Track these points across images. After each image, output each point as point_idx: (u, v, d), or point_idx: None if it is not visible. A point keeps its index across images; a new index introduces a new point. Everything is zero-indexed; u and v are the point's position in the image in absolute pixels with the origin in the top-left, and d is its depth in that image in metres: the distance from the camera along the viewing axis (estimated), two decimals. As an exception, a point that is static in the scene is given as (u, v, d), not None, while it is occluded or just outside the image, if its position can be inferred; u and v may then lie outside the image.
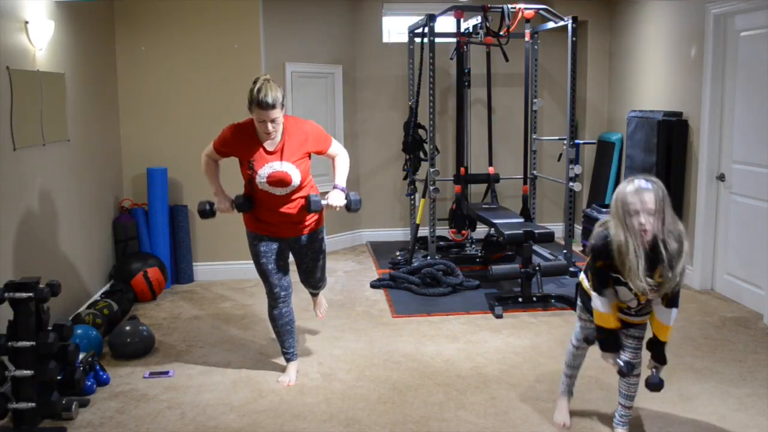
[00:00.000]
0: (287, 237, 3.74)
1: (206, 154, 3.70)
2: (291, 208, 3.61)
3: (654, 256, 2.70)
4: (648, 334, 3.05)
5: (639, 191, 2.67)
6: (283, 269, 3.80)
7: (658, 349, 2.97)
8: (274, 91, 3.33)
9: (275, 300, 3.81)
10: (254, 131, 3.50)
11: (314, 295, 4.24)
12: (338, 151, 3.71)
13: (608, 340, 2.93)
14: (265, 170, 3.50)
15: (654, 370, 2.98)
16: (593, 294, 2.90)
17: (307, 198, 3.55)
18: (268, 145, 3.51)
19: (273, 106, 3.33)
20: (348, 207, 3.62)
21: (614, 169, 6.73)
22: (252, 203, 3.63)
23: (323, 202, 3.57)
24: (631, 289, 2.79)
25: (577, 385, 3.69)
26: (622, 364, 2.96)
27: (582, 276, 3.13)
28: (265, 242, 3.71)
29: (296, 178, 3.53)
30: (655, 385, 2.95)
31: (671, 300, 2.85)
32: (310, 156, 3.63)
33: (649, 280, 2.70)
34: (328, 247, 6.93)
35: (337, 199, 3.56)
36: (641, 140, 5.92)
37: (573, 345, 3.27)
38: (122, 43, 5.67)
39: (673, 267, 2.68)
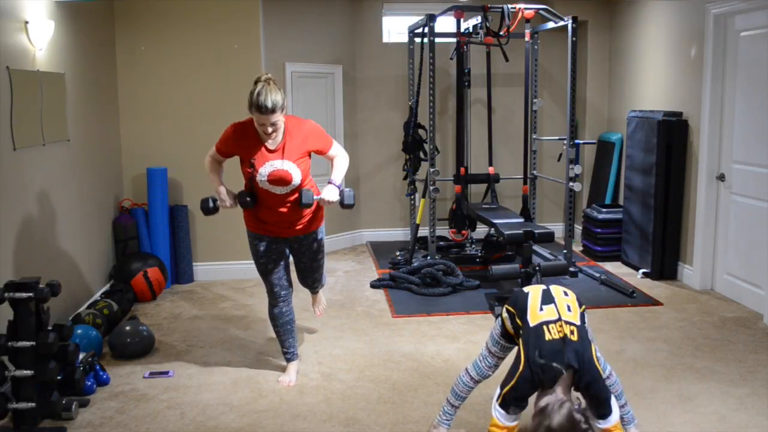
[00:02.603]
0: (287, 236, 3.74)
1: (210, 155, 3.71)
2: (290, 207, 3.62)
3: None
4: None
5: None
6: (283, 268, 3.80)
7: None
8: (273, 95, 3.33)
9: (275, 299, 3.82)
10: (255, 130, 3.51)
11: (314, 293, 4.25)
12: (338, 152, 3.74)
13: None
14: (266, 169, 3.51)
15: None
16: (497, 406, 2.65)
17: (299, 191, 3.55)
18: (270, 144, 3.52)
19: (272, 111, 3.34)
20: (341, 202, 3.64)
21: (614, 169, 6.73)
22: (256, 199, 3.64)
23: (316, 196, 3.58)
24: None
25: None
26: None
27: (505, 313, 2.90)
28: (265, 242, 3.72)
29: (297, 177, 3.54)
30: None
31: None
32: (310, 155, 3.64)
33: None
34: (328, 247, 6.94)
35: (330, 194, 3.58)
36: (641, 140, 5.93)
37: (472, 378, 3.00)
38: (122, 43, 5.67)
39: None
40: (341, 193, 3.63)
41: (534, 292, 2.85)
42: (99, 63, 5.33)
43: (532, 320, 2.73)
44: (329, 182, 3.64)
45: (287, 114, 3.54)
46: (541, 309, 2.76)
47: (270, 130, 3.41)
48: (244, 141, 3.54)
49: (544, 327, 2.69)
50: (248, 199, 3.62)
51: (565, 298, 2.81)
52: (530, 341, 2.67)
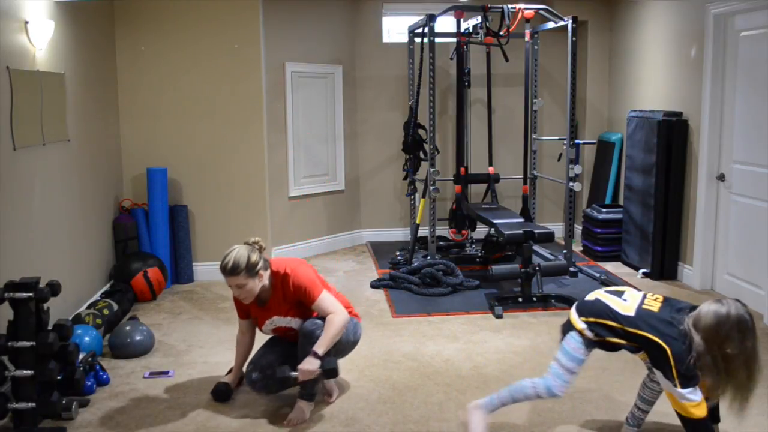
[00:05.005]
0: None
1: (238, 330, 3.71)
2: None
3: None
4: None
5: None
6: (277, 353, 3.53)
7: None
8: (237, 258, 3.22)
9: (251, 384, 3.48)
10: None
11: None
12: (327, 310, 3.31)
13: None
14: (268, 326, 3.52)
15: None
16: (681, 390, 2.73)
17: (276, 371, 3.33)
18: (260, 302, 3.45)
19: (230, 273, 3.24)
20: (323, 375, 3.30)
21: (614, 169, 6.73)
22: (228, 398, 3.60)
23: (292, 373, 3.27)
24: None
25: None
26: None
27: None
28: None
29: (299, 326, 3.44)
30: None
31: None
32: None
33: None
34: (328, 247, 6.95)
35: (307, 369, 3.22)
36: (641, 140, 5.93)
37: (539, 395, 3.02)
38: (122, 43, 5.67)
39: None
40: (322, 365, 3.23)
41: (599, 294, 2.95)
42: (99, 63, 5.33)
43: (628, 311, 2.81)
44: (312, 353, 3.22)
45: (276, 259, 3.48)
46: (625, 300, 2.86)
47: (237, 292, 3.31)
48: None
49: (644, 307, 2.79)
50: (222, 397, 3.59)
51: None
52: (650, 324, 2.74)
